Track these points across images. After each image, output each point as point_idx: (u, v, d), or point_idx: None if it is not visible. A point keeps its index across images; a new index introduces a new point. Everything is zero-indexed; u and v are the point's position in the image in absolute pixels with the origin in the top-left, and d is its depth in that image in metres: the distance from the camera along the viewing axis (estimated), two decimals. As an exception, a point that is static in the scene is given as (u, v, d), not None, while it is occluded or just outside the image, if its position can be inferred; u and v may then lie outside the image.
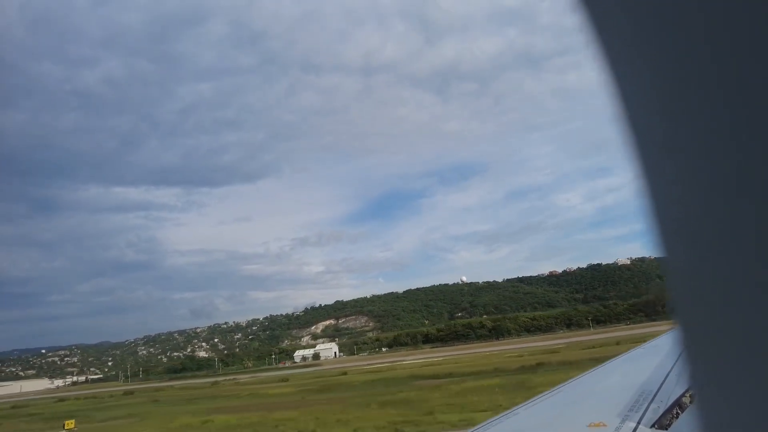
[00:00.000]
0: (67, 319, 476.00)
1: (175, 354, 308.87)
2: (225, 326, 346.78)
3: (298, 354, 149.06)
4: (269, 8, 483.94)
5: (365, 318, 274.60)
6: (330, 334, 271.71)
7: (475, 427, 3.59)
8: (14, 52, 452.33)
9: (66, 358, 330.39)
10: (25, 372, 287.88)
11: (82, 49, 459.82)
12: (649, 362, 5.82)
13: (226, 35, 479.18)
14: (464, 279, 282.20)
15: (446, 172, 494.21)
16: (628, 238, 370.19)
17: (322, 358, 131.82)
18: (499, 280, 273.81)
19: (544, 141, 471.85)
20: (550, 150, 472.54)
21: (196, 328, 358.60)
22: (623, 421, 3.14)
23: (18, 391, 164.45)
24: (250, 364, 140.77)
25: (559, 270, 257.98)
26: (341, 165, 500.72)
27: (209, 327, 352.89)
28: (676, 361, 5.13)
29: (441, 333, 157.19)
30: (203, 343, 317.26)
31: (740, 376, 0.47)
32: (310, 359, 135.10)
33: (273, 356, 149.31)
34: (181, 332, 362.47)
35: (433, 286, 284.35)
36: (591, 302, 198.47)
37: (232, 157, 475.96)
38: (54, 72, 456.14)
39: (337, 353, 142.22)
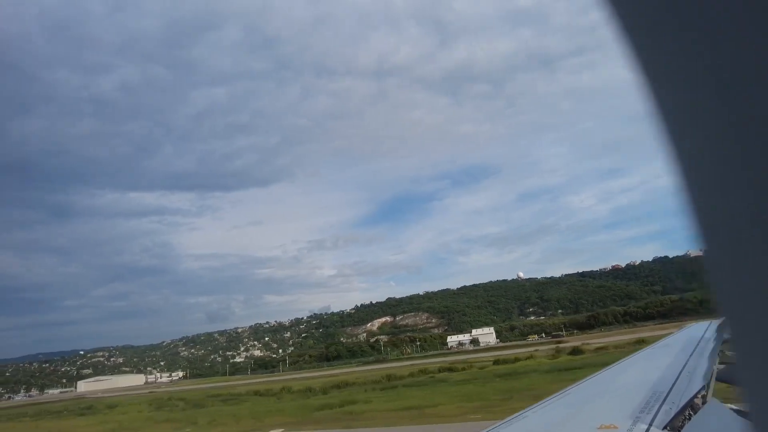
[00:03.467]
0: (83, 323, 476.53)
1: (229, 353, 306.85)
2: (267, 326, 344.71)
3: (452, 339, 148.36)
4: (283, 13, 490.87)
5: (426, 315, 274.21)
6: (387, 332, 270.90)
7: (486, 429, 3.60)
8: (33, 61, 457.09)
9: (112, 359, 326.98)
10: (81, 371, 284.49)
11: (99, 55, 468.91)
12: (661, 362, 5.85)
13: (240, 40, 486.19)
14: (521, 275, 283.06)
15: (458, 174, 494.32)
16: (642, 240, 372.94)
17: (482, 344, 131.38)
18: (557, 275, 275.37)
19: (557, 142, 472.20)
20: (563, 151, 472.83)
21: (237, 328, 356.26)
22: (635, 422, 3.09)
23: (120, 386, 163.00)
24: (409, 351, 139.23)
25: (622, 264, 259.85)
26: (353, 168, 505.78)
27: (250, 327, 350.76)
28: (688, 360, 5.28)
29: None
30: (255, 342, 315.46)
31: None
32: (467, 345, 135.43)
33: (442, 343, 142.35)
34: (221, 332, 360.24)
35: (490, 283, 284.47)
36: (670, 294, 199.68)
37: (245, 162, 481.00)
38: (71, 79, 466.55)
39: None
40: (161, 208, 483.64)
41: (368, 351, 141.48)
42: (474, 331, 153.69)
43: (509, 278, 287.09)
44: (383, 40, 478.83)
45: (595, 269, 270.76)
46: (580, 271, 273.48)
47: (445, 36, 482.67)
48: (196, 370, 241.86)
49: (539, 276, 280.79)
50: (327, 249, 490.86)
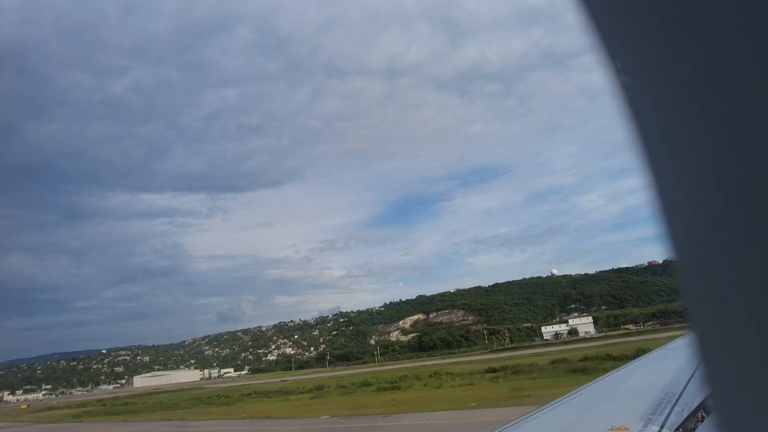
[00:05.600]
0: (95, 324, 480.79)
1: (259, 351, 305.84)
2: (291, 324, 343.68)
3: (548, 330, 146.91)
4: (295, 14, 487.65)
5: (462, 312, 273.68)
6: (421, 329, 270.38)
7: (498, 429, 3.59)
8: (48, 64, 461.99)
9: (138, 357, 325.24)
10: (113, 369, 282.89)
11: (112, 58, 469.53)
12: (673, 363, 5.77)
13: (251, 41, 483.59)
14: (555, 271, 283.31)
15: (468, 174, 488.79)
16: (651, 240, 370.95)
17: (581, 334, 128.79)
18: (591, 272, 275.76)
19: (568, 141, 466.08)
20: (574, 150, 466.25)
21: (260, 327, 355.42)
22: (646, 424, 3.05)
23: (179, 381, 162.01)
24: (505, 342, 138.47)
25: (659, 260, 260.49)
26: (363, 169, 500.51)
27: (274, 326, 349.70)
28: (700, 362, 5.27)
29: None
30: (286, 340, 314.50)
31: (759, 380, 0.45)
32: (564, 335, 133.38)
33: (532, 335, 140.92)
34: (244, 331, 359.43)
35: (524, 280, 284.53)
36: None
37: (256, 163, 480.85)
38: (84, 82, 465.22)
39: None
40: (172, 209, 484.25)
41: (462, 342, 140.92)
42: (571, 321, 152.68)
43: (543, 275, 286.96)
44: (394, 40, 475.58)
45: (631, 265, 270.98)
46: (615, 267, 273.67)
47: (456, 35, 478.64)
48: (250, 366, 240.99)
49: (573, 273, 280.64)
50: (336, 250, 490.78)
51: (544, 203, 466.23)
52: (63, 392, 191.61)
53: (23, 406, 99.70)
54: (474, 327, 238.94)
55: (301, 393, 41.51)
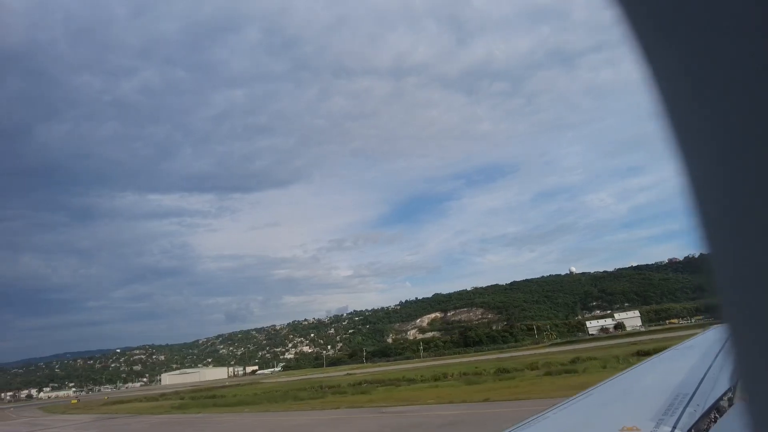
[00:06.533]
0: (105, 324, 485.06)
1: (276, 350, 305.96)
2: (306, 323, 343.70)
3: (593, 324, 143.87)
4: (302, 14, 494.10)
5: (481, 310, 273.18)
6: (439, 327, 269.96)
7: (508, 429, 3.56)
8: (58, 66, 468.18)
9: (154, 356, 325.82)
10: (132, 368, 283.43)
11: (121, 59, 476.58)
12: (685, 363, 5.71)
13: (259, 42, 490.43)
14: (573, 269, 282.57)
15: (475, 174, 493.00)
16: (660, 239, 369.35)
17: (628, 328, 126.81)
18: (610, 269, 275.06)
19: (576, 140, 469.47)
20: (582, 149, 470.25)
21: (275, 326, 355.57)
22: (658, 425, 3.02)
23: (208, 378, 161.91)
24: (554, 336, 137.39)
25: (680, 257, 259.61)
26: (370, 169, 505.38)
27: (288, 324, 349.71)
28: (713, 362, 5.10)
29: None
30: (302, 339, 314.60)
31: None
32: (611, 330, 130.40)
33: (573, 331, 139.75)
34: (258, 330, 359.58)
35: (542, 278, 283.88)
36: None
37: (263, 163, 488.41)
38: (94, 83, 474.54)
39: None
40: (180, 209, 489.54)
41: (507, 337, 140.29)
42: (617, 315, 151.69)
43: (562, 273, 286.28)
44: (401, 39, 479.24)
45: (650, 263, 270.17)
46: (634, 265, 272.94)
47: (463, 34, 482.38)
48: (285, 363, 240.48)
49: (592, 270, 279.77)
50: (343, 250, 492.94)
51: (552, 202, 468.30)
52: (91, 390, 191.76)
53: (74, 401, 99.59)
54: (503, 324, 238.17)
55: (424, 381, 40.45)
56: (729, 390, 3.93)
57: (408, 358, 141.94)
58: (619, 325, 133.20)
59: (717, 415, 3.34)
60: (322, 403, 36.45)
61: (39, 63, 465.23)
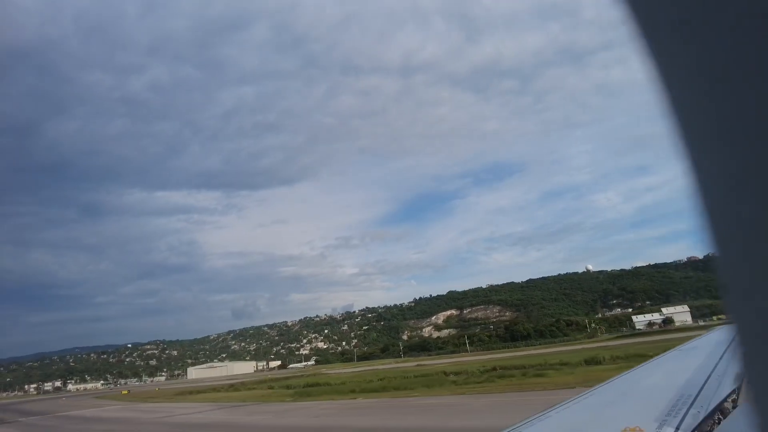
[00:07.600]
0: (113, 320, 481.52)
1: (291, 345, 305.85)
2: (318, 319, 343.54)
3: (640, 319, 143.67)
4: (311, 11, 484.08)
5: (498, 308, 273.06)
6: (455, 325, 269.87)
7: (508, 429, 3.56)
8: (68, 62, 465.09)
9: (167, 351, 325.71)
10: (147, 362, 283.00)
11: (131, 56, 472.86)
12: (689, 363, 5.65)
13: (268, 39, 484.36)
14: (590, 267, 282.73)
15: (482, 172, 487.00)
16: (667, 239, 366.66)
17: (677, 323, 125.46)
18: (627, 268, 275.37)
19: (585, 139, 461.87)
20: (590, 148, 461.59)
21: (286, 322, 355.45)
22: (660, 426, 2.99)
23: (236, 372, 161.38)
24: (604, 330, 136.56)
25: (699, 255, 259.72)
26: (377, 167, 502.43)
27: (299, 321, 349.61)
28: (718, 363, 5.06)
29: None
30: (316, 335, 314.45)
31: None
32: (658, 325, 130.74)
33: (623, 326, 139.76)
34: (270, 326, 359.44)
35: (559, 275, 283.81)
36: None
37: (271, 161, 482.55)
38: (104, 80, 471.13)
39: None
40: (188, 206, 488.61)
41: (555, 332, 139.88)
42: (664, 310, 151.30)
43: (579, 270, 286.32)
44: (410, 37, 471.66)
45: (669, 261, 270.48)
46: (653, 263, 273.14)
47: (472, 31, 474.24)
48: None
49: (609, 268, 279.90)
50: (349, 248, 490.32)
51: (559, 201, 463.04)
52: (116, 383, 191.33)
53: (124, 392, 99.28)
54: (523, 321, 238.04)
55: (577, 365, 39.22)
56: (733, 391, 3.84)
57: (452, 352, 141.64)
58: (668, 320, 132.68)
59: (721, 417, 3.28)
60: (508, 387, 32.25)
61: (50, 60, 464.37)
